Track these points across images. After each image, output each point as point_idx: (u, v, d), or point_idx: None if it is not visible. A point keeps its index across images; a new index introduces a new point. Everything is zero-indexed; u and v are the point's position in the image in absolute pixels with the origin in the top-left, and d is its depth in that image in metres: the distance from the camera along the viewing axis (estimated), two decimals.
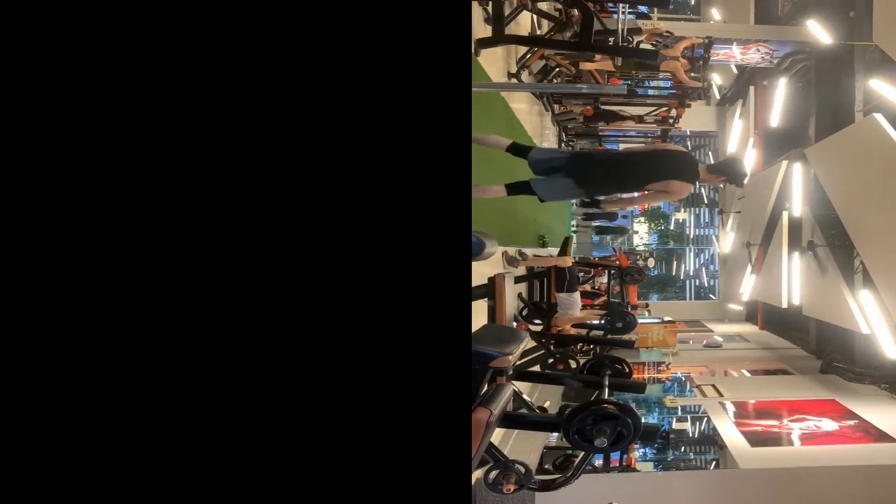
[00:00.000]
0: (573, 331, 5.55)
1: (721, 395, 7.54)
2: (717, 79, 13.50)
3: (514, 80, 5.84)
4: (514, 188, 2.99)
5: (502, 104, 5.48)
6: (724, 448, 5.90)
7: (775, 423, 6.43)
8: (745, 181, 3.09)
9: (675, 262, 19.25)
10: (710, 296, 17.30)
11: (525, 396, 2.41)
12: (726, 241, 14.21)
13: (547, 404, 3.94)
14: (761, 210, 11.10)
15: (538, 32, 6.97)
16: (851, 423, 6.39)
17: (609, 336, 5.41)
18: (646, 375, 8.67)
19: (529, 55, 6.10)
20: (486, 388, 2.00)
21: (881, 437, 5.97)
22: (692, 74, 7.58)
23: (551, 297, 5.57)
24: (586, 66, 6.38)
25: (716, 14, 13.19)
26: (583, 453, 2.40)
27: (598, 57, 6.16)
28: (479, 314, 3.70)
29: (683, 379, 8.92)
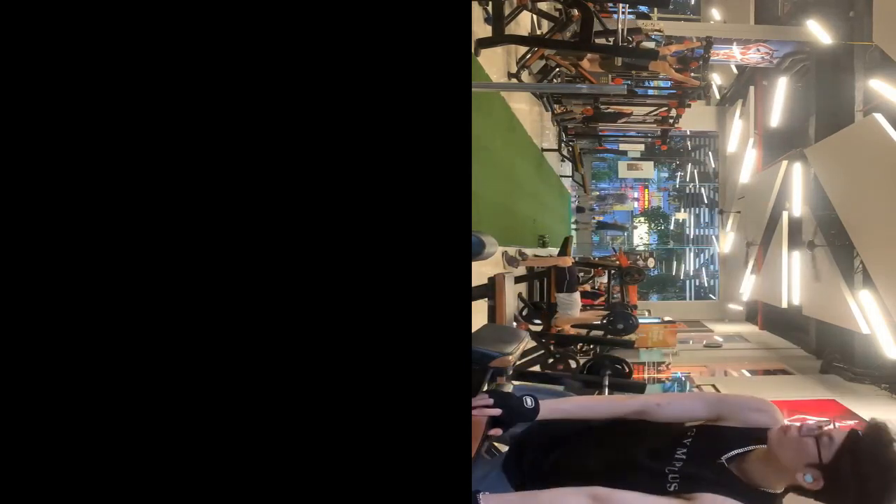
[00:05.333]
0: (573, 331, 5.55)
1: None
2: (717, 79, 13.50)
3: (514, 80, 5.84)
4: None
5: (502, 104, 5.49)
6: None
7: None
8: None
9: (675, 262, 19.26)
10: (710, 296, 17.31)
11: None
12: (726, 241, 14.21)
13: None
14: (761, 210, 11.10)
15: (538, 32, 6.97)
16: (851, 423, 6.39)
17: (609, 336, 5.42)
18: (646, 375, 8.66)
19: (529, 55, 6.10)
20: (486, 388, 2.00)
21: None
22: (692, 75, 7.58)
23: (551, 297, 5.58)
24: (583, 66, 6.38)
25: (716, 14, 13.20)
26: None
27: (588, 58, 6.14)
28: (479, 314, 3.71)
29: (683, 379, 8.93)
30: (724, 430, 1.22)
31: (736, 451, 1.15)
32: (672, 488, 1.12)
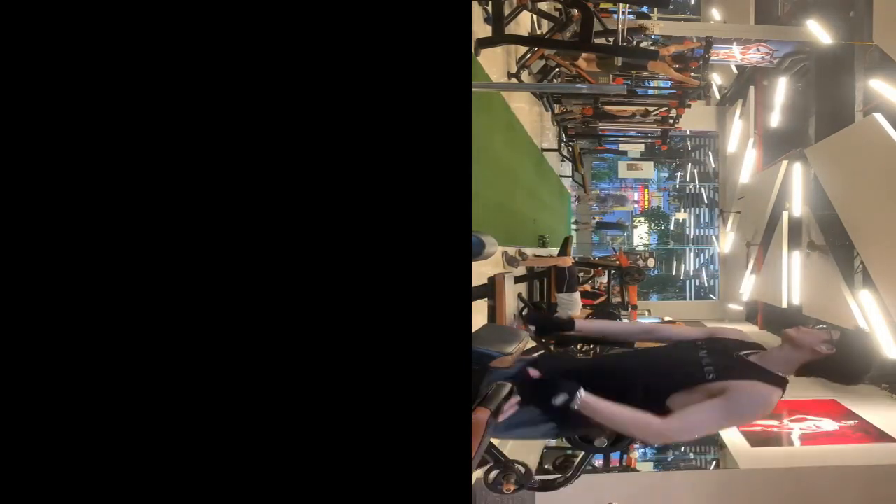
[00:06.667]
0: None
1: None
2: (717, 79, 13.49)
3: (514, 80, 5.84)
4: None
5: (502, 104, 5.48)
6: (724, 448, 5.90)
7: (775, 423, 6.42)
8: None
9: (675, 262, 19.26)
10: (710, 296, 17.29)
11: None
12: (726, 241, 14.20)
13: None
14: (761, 210, 11.10)
15: (538, 32, 6.96)
16: (851, 423, 6.39)
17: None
18: None
19: (529, 55, 6.10)
20: (485, 386, 2.00)
21: (881, 437, 5.97)
22: (692, 75, 7.58)
23: (551, 297, 5.57)
24: (580, 66, 6.36)
25: (716, 14, 13.19)
26: (583, 453, 2.40)
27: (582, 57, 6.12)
28: (479, 314, 3.70)
29: None
30: (727, 340, 1.60)
31: (746, 352, 1.54)
32: (710, 377, 1.45)
